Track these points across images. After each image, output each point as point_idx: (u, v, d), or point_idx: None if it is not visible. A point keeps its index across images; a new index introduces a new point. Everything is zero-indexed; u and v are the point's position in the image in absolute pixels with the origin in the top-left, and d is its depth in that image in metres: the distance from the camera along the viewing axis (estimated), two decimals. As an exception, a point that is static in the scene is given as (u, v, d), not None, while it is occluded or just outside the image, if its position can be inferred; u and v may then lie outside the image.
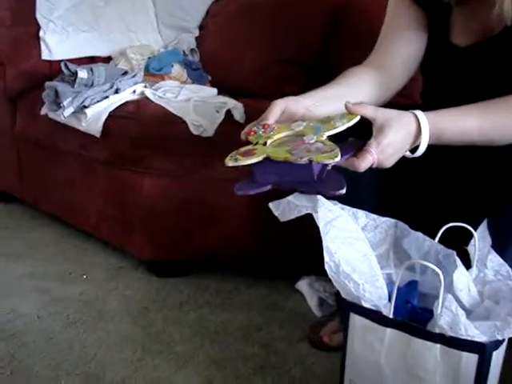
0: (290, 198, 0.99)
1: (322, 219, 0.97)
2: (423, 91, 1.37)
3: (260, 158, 0.96)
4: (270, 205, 1.01)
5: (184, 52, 2.13)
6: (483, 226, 1.05)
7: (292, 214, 0.99)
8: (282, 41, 1.96)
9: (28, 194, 2.20)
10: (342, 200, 1.05)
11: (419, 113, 1.02)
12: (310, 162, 0.92)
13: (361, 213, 1.09)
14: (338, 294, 1.04)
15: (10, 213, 2.26)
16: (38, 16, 2.09)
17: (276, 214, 1.01)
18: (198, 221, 1.70)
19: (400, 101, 1.32)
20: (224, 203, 1.66)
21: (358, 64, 1.30)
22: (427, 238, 1.06)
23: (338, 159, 0.91)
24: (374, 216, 1.10)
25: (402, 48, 1.27)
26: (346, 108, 1.01)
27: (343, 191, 0.93)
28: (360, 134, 1.01)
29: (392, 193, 1.19)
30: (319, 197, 0.97)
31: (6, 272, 1.79)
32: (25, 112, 2.07)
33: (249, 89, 1.92)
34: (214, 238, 1.70)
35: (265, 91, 1.83)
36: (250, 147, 1.01)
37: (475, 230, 1.04)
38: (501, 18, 1.10)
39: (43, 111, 1.89)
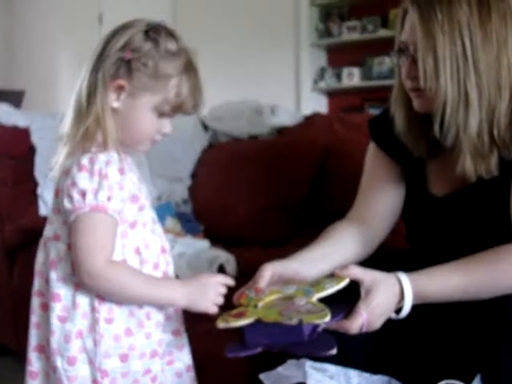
0: (279, 369, 1.00)
1: (311, 390, 0.97)
2: (407, 235, 1.40)
3: (251, 320, 0.97)
4: (261, 376, 1.01)
5: (177, 203, 2.20)
6: (477, 382, 1.05)
7: (282, 385, 0.99)
8: (270, 187, 2.01)
9: (23, 348, 2.16)
10: (334, 360, 1.05)
11: (402, 276, 1.05)
12: (300, 322, 0.93)
13: (353, 372, 1.08)
14: None
15: (3, 366, 2.21)
16: (37, 174, 2.18)
17: (267, 384, 1.01)
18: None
19: (388, 237, 1.35)
20: (215, 359, 1.62)
21: (345, 211, 1.33)
22: (421, 395, 1.05)
23: (327, 319, 0.93)
24: (367, 374, 1.09)
25: (380, 202, 1.31)
26: (335, 274, 1.05)
27: (334, 351, 0.94)
28: (347, 298, 1.03)
29: (383, 350, 1.19)
30: (308, 368, 0.98)
31: None
32: (22, 266, 2.10)
33: (241, 237, 1.96)
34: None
35: (256, 238, 1.87)
36: (241, 309, 1.03)
37: (469, 386, 1.04)
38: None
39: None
